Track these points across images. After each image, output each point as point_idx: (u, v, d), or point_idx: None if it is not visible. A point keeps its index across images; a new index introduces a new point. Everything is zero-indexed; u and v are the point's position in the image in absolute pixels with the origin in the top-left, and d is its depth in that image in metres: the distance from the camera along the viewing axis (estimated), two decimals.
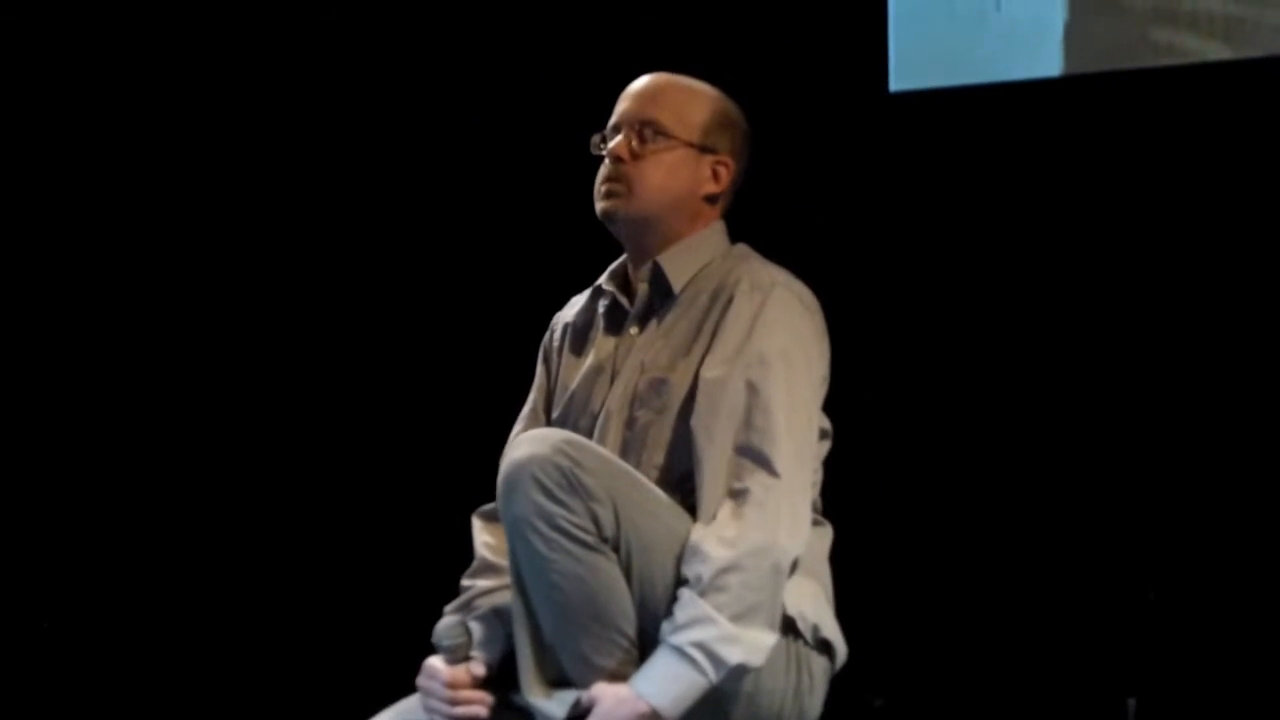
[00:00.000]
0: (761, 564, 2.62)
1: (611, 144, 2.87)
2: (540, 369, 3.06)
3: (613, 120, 2.91)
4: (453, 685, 2.75)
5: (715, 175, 2.89)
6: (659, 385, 2.81)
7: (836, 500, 2.91)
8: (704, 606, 2.59)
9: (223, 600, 4.87)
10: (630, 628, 2.64)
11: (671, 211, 2.88)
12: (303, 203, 5.00)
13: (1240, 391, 4.17)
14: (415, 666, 2.83)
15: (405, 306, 4.93)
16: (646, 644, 2.65)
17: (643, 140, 2.87)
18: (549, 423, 2.98)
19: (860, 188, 4.48)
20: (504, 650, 2.76)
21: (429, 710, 2.77)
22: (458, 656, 2.78)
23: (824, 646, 2.78)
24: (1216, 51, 4.14)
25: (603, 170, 2.89)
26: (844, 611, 2.86)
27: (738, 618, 2.60)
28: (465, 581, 2.90)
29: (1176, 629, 4.15)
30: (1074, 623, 4.23)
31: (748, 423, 2.70)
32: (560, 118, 4.12)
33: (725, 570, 2.60)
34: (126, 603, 4.89)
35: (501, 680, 2.76)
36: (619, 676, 2.64)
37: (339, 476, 4.90)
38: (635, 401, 2.83)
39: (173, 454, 4.96)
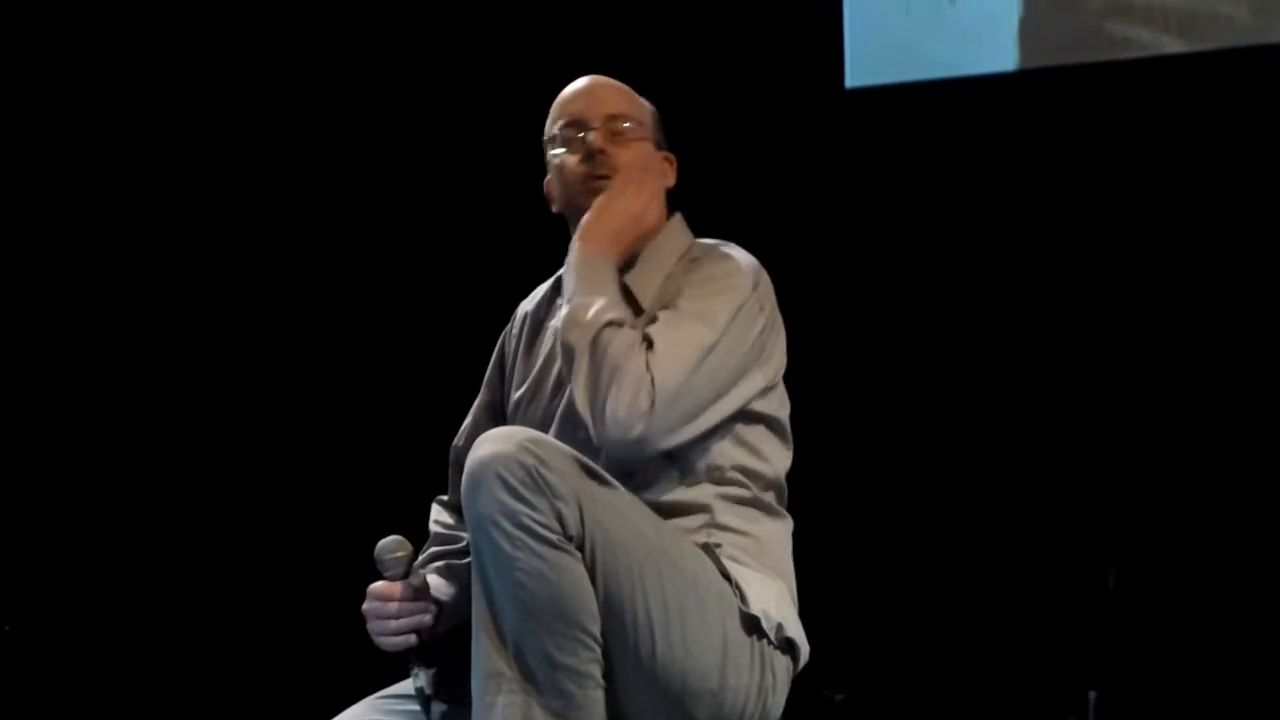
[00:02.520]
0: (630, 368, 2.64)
1: (591, 138, 2.87)
2: (494, 360, 3.07)
3: (563, 121, 2.91)
4: (391, 598, 2.78)
5: (667, 171, 2.91)
6: None
7: (797, 496, 2.89)
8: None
9: (195, 598, 4.88)
10: (595, 626, 2.61)
11: (650, 203, 2.88)
12: (280, 201, 5.01)
13: (1196, 381, 4.21)
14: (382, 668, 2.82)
15: (380, 302, 4.94)
16: (611, 643, 2.64)
17: (617, 133, 2.87)
18: (501, 415, 2.99)
19: (817, 183, 4.51)
20: (461, 601, 2.76)
21: (377, 635, 2.78)
22: (399, 572, 2.79)
23: (787, 645, 2.76)
24: (1171, 44, 4.18)
25: (582, 168, 2.88)
26: (804, 606, 2.84)
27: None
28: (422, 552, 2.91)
29: (1136, 621, 4.17)
30: (1035, 616, 4.25)
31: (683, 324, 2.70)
32: (523, 116, 4.21)
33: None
34: (104, 601, 4.90)
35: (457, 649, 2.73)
36: (584, 676, 2.64)
37: (309, 474, 4.91)
38: None
39: (142, 451, 4.96)
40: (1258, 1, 4.15)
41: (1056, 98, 4.31)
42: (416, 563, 2.89)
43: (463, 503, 2.65)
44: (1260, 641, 4.10)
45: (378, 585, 2.80)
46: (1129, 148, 4.26)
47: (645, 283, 2.88)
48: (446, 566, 2.88)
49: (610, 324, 2.66)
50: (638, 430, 2.67)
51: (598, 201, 2.76)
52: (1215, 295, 4.21)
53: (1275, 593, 4.12)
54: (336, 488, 4.90)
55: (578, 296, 2.71)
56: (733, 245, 2.91)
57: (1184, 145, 4.22)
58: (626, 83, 2.96)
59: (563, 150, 2.90)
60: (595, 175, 2.89)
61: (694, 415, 2.73)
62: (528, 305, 3.05)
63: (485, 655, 2.64)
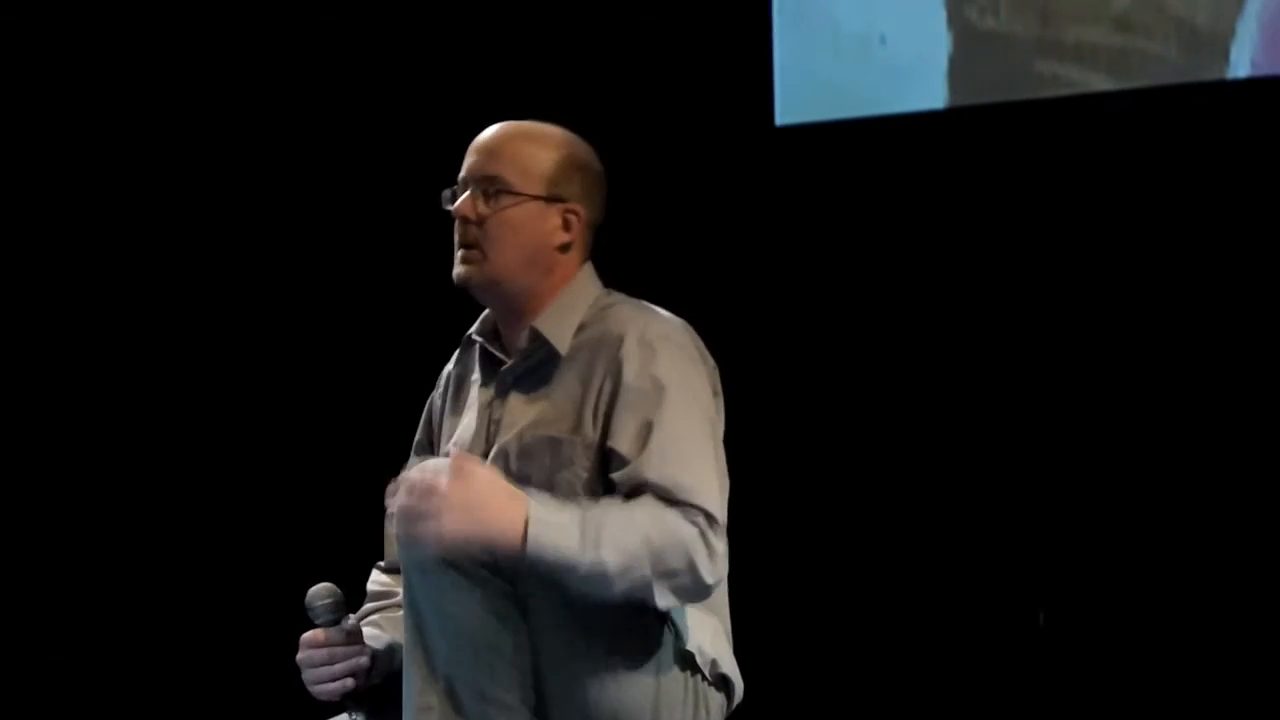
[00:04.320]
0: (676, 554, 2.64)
1: (458, 204, 2.88)
2: (423, 424, 3.08)
3: (461, 174, 2.92)
4: (329, 645, 2.78)
5: (566, 224, 2.87)
6: (554, 444, 2.80)
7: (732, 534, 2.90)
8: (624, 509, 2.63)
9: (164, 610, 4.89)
10: (525, 659, 2.64)
11: (525, 269, 2.87)
12: (273, 209, 5.00)
13: (1127, 406, 4.25)
14: None
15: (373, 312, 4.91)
16: (541, 676, 2.67)
17: (487, 199, 2.86)
18: None
19: (747, 221, 4.53)
20: (396, 649, 2.79)
21: (312, 684, 2.79)
22: (331, 619, 2.79)
23: (722, 682, 2.79)
24: (1100, 82, 4.24)
25: (456, 233, 2.90)
26: (740, 645, 2.87)
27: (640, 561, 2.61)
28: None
29: (1065, 658, 4.21)
30: (967, 653, 4.29)
31: (687, 493, 2.71)
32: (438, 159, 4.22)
33: (652, 537, 2.62)
34: (81, 608, 4.92)
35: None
36: (514, 710, 2.66)
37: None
38: (522, 455, 2.82)
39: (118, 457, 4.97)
40: (1187, 40, 4.19)
41: (986, 135, 4.35)
42: (352, 618, 2.88)
43: (396, 537, 2.66)
44: (1188, 674, 4.11)
45: (310, 634, 2.80)
46: (1059, 185, 4.29)
47: (557, 328, 2.86)
48: (382, 618, 2.88)
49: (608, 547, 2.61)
50: (721, 567, 2.69)
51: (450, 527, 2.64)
52: (1139, 330, 4.24)
53: (1203, 627, 4.13)
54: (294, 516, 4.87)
55: (574, 560, 2.62)
56: (645, 306, 2.91)
57: (1113, 182, 4.25)
58: (553, 119, 2.96)
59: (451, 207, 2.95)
60: (459, 244, 2.90)
61: (723, 504, 2.74)
62: (450, 366, 3.06)
63: (416, 688, 2.66)
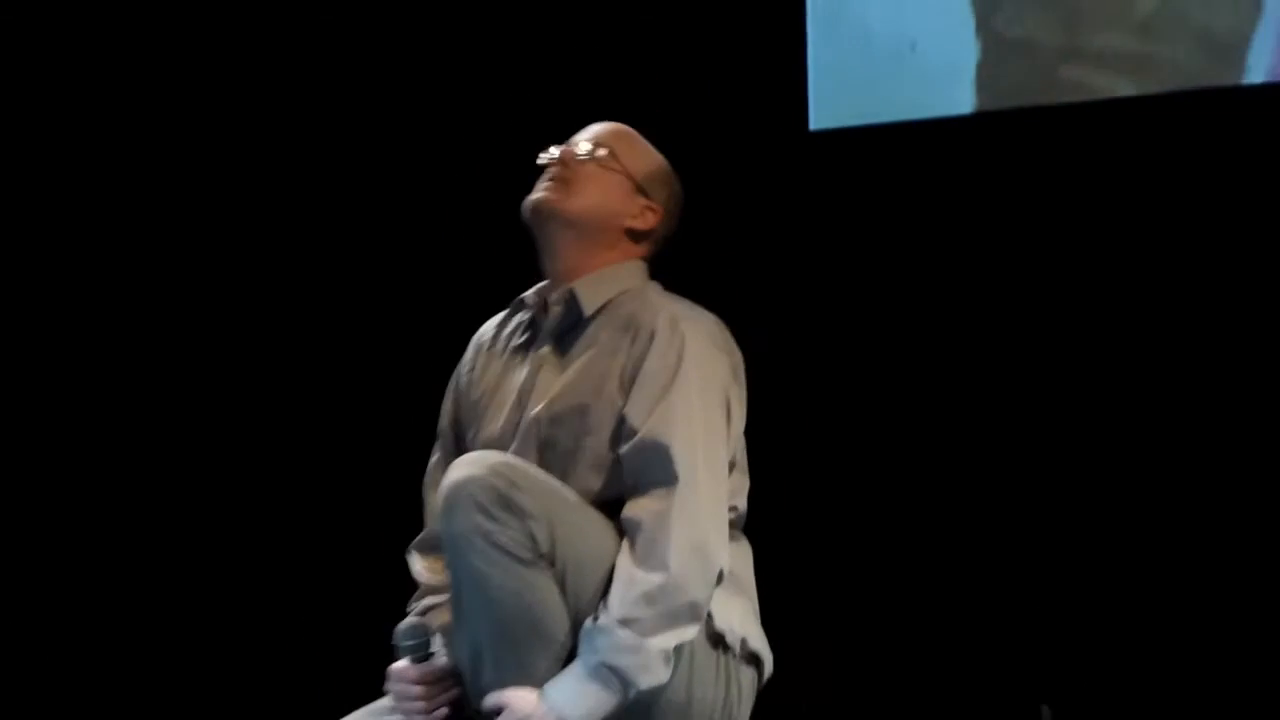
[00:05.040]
0: (676, 595, 2.69)
1: (564, 146, 2.97)
2: (450, 394, 3.12)
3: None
4: (422, 682, 2.81)
5: (641, 215, 2.98)
6: (581, 411, 2.85)
7: (759, 523, 3.00)
8: (618, 631, 2.66)
9: (190, 601, 4.88)
10: (567, 639, 2.69)
11: (595, 227, 2.96)
12: (281, 207, 4.98)
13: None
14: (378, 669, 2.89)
15: (387, 305, 4.89)
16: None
17: (591, 157, 2.96)
18: (462, 445, 3.03)
19: (783, 221, 4.50)
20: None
21: (406, 713, 2.82)
22: (420, 655, 2.83)
23: (752, 659, 2.86)
24: (1123, 88, 4.20)
25: (547, 173, 2.98)
26: (768, 624, 2.93)
27: (649, 637, 2.67)
28: (411, 605, 2.97)
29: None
30: (991, 635, 4.25)
31: (669, 461, 2.76)
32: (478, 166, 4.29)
33: (642, 598, 2.68)
34: (96, 602, 4.89)
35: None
36: None
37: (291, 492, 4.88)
38: (552, 423, 2.87)
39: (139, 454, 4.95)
40: (1206, 46, 4.15)
41: (1012, 139, 4.29)
42: (416, 609, 2.96)
43: (440, 524, 2.74)
44: None
45: (398, 667, 2.86)
46: (1082, 187, 4.24)
47: (590, 293, 2.94)
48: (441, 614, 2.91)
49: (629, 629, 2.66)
50: (699, 524, 2.75)
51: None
52: (1166, 341, 4.17)
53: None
54: (321, 494, 4.85)
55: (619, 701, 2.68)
56: (683, 300, 2.97)
57: (1135, 184, 4.20)
58: (593, 122, 3.08)
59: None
60: (547, 177, 2.98)
61: (715, 474, 2.82)
62: (481, 337, 3.12)
63: (468, 668, 2.75)
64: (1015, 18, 4.30)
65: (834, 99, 4.50)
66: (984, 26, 4.33)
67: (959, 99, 4.36)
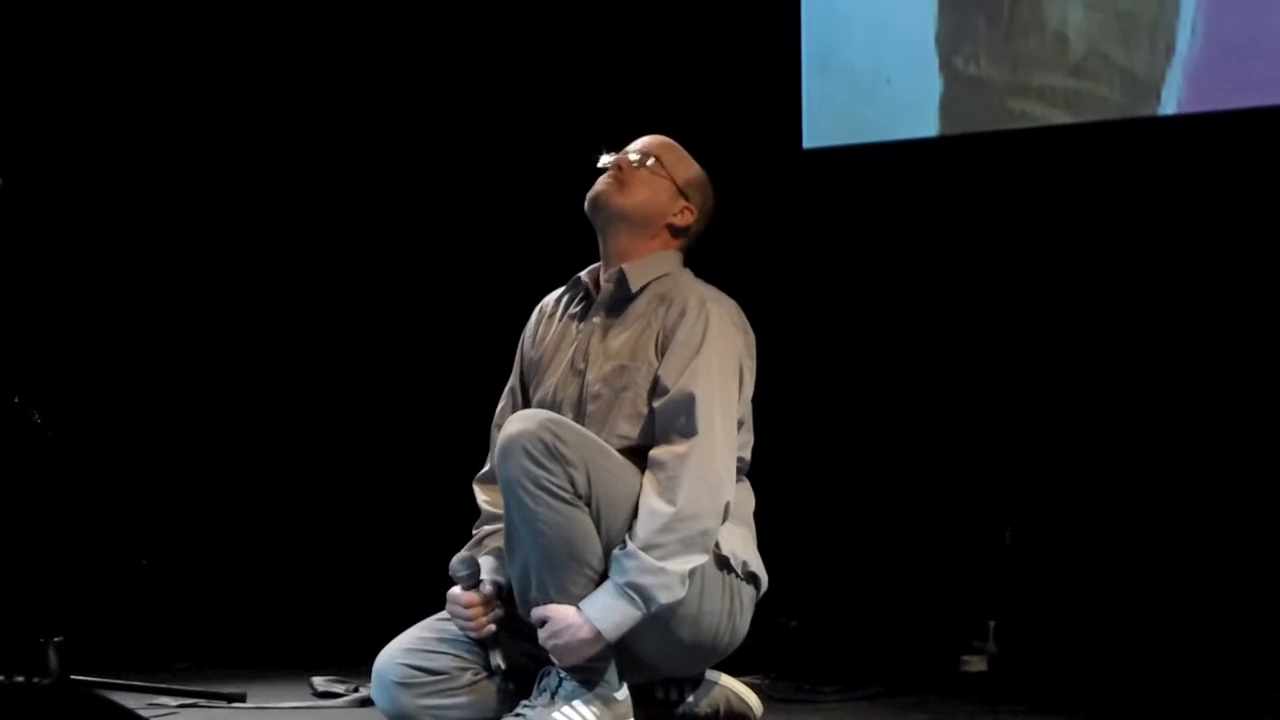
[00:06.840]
0: (691, 524, 2.93)
1: (619, 154, 3.23)
2: (520, 349, 3.31)
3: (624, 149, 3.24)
4: (470, 605, 3.04)
5: (682, 214, 3.25)
6: (621, 371, 3.09)
7: (760, 467, 3.23)
8: (642, 556, 2.88)
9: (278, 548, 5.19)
10: (600, 565, 2.95)
11: (643, 219, 3.19)
12: (289, 201, 5.21)
13: (1079, 379, 4.46)
14: (439, 592, 3.14)
15: (409, 300, 5.13)
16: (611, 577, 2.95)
17: (644, 164, 3.24)
18: (527, 395, 3.25)
19: (779, 225, 4.75)
20: (508, 576, 3.07)
21: (460, 629, 3.09)
22: (470, 583, 3.05)
23: (751, 578, 3.11)
24: (1059, 117, 4.44)
25: (605, 174, 3.21)
26: (764, 550, 3.19)
27: (668, 560, 2.91)
28: (475, 529, 3.25)
29: (1029, 569, 4.42)
30: (944, 565, 4.51)
31: (693, 414, 3.02)
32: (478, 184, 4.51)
33: (663, 527, 2.91)
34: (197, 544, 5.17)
35: (509, 598, 3.09)
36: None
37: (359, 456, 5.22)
38: (601, 381, 3.10)
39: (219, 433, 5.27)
40: (1128, 84, 4.36)
41: (969, 158, 4.55)
42: (477, 534, 3.18)
43: (496, 469, 2.98)
44: (1142, 588, 4.28)
45: (456, 592, 3.07)
46: (1026, 197, 4.49)
47: (637, 274, 3.15)
48: (498, 549, 3.09)
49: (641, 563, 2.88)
50: (712, 460, 2.96)
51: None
52: (1101, 324, 4.44)
53: (1156, 543, 4.32)
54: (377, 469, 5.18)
55: (639, 614, 2.89)
56: (710, 286, 3.21)
57: (1070, 196, 4.44)
58: (611, 146, 3.28)
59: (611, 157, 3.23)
60: (607, 176, 3.18)
61: (726, 429, 3.02)
62: (547, 302, 3.32)
63: (517, 587, 3.00)
64: (972, 58, 4.53)
65: (823, 123, 4.74)
66: (946, 65, 4.58)
67: (925, 124, 4.60)
